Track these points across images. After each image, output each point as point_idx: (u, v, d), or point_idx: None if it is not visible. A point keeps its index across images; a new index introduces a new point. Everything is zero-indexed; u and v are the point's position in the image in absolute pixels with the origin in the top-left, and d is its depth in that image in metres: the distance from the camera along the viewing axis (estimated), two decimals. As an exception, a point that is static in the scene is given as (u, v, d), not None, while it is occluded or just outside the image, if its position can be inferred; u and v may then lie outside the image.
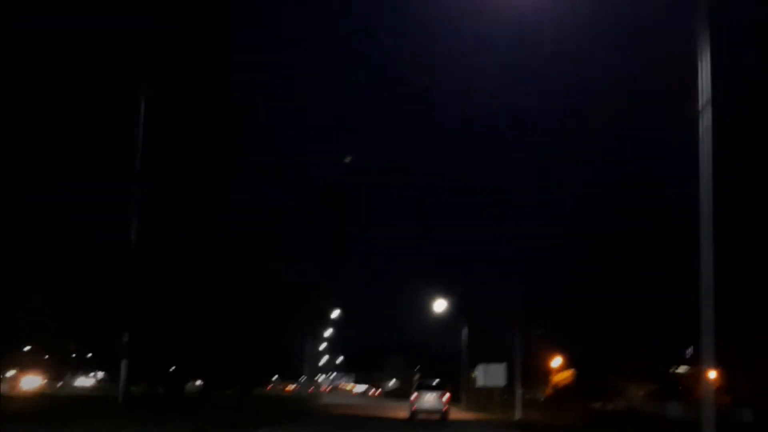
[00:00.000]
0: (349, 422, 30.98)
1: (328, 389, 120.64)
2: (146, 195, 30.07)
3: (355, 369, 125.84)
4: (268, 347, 44.47)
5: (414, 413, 35.38)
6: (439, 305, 54.48)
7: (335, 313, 75.09)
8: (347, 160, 47.56)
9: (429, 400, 35.35)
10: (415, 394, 35.95)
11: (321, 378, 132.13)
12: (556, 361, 56.59)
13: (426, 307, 56.31)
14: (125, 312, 30.10)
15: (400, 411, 40.97)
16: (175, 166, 33.20)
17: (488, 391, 54.58)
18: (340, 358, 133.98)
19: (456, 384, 60.69)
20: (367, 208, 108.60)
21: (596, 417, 39.06)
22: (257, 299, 39.30)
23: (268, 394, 74.84)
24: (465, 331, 56.10)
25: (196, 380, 47.42)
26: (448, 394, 36.09)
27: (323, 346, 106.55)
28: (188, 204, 33.95)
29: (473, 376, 56.06)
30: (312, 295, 48.59)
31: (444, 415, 35.23)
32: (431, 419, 34.98)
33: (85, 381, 64.34)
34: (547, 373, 57.58)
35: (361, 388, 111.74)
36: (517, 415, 36.75)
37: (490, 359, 48.67)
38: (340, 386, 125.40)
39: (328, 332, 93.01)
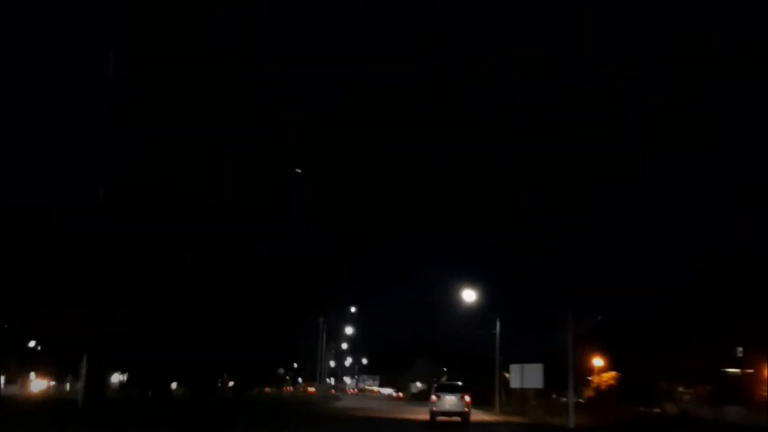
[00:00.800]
0: (363, 424, 30.24)
1: (354, 391, 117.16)
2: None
3: (381, 371, 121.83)
4: (272, 338, 40.49)
5: (434, 415, 34.71)
6: (468, 295, 49.45)
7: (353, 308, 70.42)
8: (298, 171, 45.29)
9: (449, 401, 34.60)
10: (434, 396, 35.24)
11: (348, 380, 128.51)
12: (597, 362, 52.26)
13: (454, 302, 52.00)
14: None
15: (420, 414, 40.29)
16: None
17: (522, 394, 50.44)
18: (365, 360, 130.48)
19: (488, 386, 56.56)
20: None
21: (656, 423, 34.87)
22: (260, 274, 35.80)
23: (275, 396, 70.52)
24: (498, 328, 51.39)
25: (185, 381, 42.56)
26: (468, 396, 35.17)
27: (345, 345, 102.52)
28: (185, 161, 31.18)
29: (506, 377, 51.99)
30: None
31: (465, 417, 34.51)
32: (452, 421, 34.28)
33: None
34: (587, 374, 53.32)
35: (386, 390, 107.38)
36: (571, 421, 31.44)
37: (522, 359, 44.64)
38: (365, 388, 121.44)
39: (348, 330, 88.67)
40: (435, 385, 40.08)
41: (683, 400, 47.60)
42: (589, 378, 53.88)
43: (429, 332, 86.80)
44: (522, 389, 46.98)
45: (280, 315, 39.83)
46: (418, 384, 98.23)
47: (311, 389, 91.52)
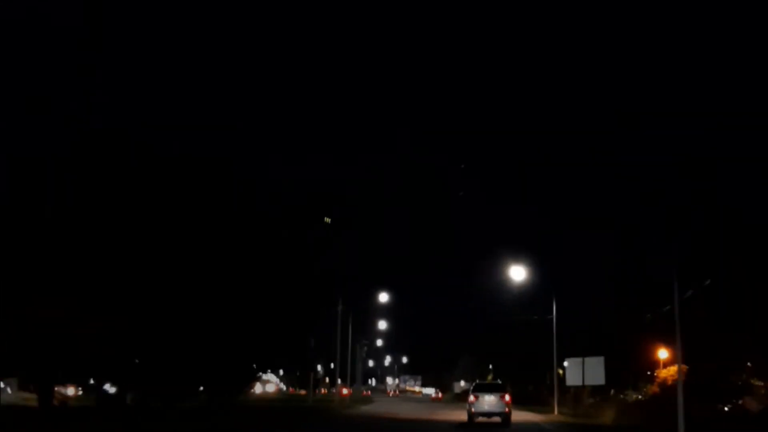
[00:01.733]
0: (393, 427, 29.74)
1: (395, 393, 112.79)
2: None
3: (423, 370, 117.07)
4: (262, 334, 35.53)
5: (472, 416, 33.98)
6: (517, 273, 42.42)
7: (384, 297, 63.99)
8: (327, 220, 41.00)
9: (488, 401, 33.75)
10: (472, 397, 34.37)
11: (390, 381, 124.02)
12: (662, 353, 47.14)
13: (501, 283, 46.17)
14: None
15: (455, 414, 39.31)
16: None
17: (575, 392, 45.25)
18: (405, 359, 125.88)
19: (540, 384, 51.85)
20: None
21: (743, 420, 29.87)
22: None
23: (273, 400, 63.87)
24: (554, 311, 44.72)
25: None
26: (509, 396, 34.32)
27: (379, 342, 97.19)
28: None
29: (559, 373, 47.10)
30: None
31: (505, 417, 33.63)
32: (492, 422, 33.67)
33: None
34: (650, 368, 48.30)
35: (429, 391, 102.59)
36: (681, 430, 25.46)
37: (575, 353, 39.82)
38: (405, 389, 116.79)
39: (382, 325, 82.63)
40: (473, 384, 38.59)
41: (761, 395, 42.52)
42: (649, 372, 48.90)
43: (472, 324, 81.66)
44: (574, 387, 41.88)
45: (276, 304, 34.87)
46: (462, 383, 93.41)
47: (346, 391, 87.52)
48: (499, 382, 36.57)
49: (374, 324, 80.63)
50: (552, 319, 44.67)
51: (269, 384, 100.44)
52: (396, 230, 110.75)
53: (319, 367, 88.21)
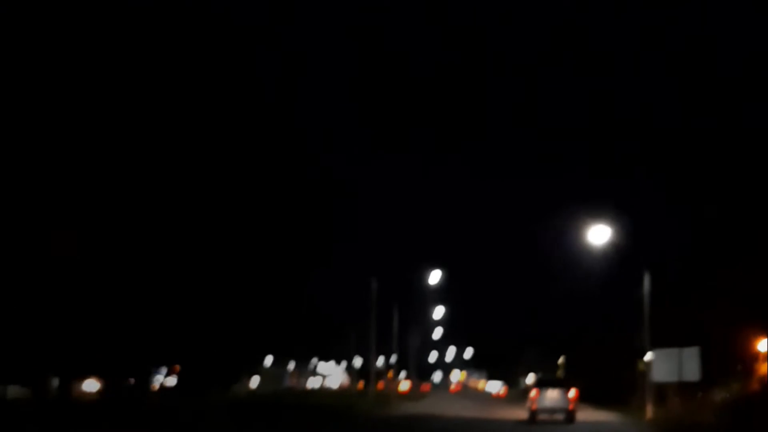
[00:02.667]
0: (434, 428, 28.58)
1: (457, 388, 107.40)
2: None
3: (488, 363, 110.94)
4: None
5: (534, 414, 32.07)
6: (600, 234, 34.03)
7: (436, 276, 57.41)
8: None
9: (551, 397, 31.78)
10: (534, 392, 32.37)
11: (457, 374, 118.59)
12: (762, 346, 40.48)
13: (579, 250, 39.19)
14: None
15: (514, 412, 37.47)
16: None
17: (658, 390, 38.45)
18: (470, 351, 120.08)
19: (618, 380, 45.79)
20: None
21: None
22: None
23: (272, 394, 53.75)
24: (647, 286, 36.25)
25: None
26: (575, 391, 32.16)
27: (438, 333, 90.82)
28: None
29: (641, 368, 40.84)
30: None
31: (569, 415, 31.72)
32: (555, 420, 32.07)
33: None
34: (744, 361, 41.82)
35: (494, 385, 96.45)
36: None
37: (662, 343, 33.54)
38: (469, 384, 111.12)
39: (438, 313, 75.86)
40: (536, 379, 36.83)
41: None
42: (740, 367, 42.29)
43: (542, 308, 75.09)
44: (663, 383, 35.08)
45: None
46: (531, 376, 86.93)
47: (403, 387, 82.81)
48: (565, 376, 34.82)
49: (429, 311, 74.73)
50: (642, 296, 36.88)
51: (329, 377, 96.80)
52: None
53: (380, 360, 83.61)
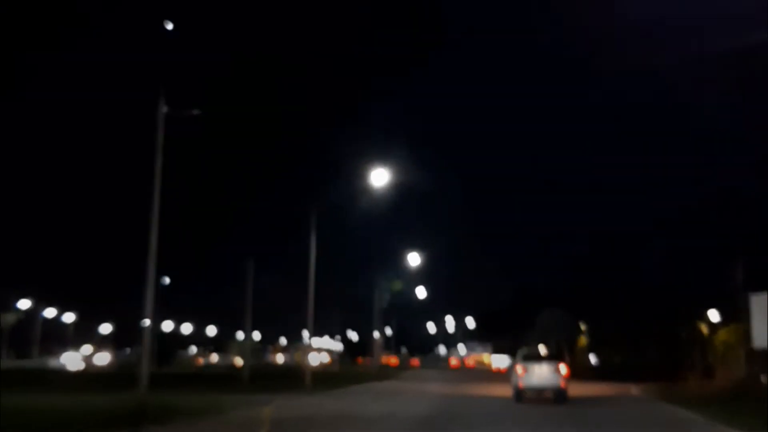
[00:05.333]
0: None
1: (459, 363, 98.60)
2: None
3: (492, 333, 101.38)
4: None
5: (519, 393, 29.91)
6: None
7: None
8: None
9: (540, 374, 29.58)
10: (519, 368, 30.13)
11: (462, 348, 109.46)
12: None
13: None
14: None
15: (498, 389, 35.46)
16: None
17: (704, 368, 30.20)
18: (472, 321, 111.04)
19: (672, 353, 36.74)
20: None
21: None
22: None
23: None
24: None
25: None
26: (565, 366, 30.03)
27: (423, 293, 77.84)
28: None
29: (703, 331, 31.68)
30: None
31: (560, 393, 29.39)
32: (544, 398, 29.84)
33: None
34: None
35: (501, 359, 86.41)
36: None
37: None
38: (473, 358, 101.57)
39: (414, 259, 61.21)
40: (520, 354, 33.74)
41: None
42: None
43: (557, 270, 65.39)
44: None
45: None
46: (542, 348, 76.46)
47: (392, 361, 75.49)
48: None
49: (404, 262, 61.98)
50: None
51: (323, 353, 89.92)
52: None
53: (376, 334, 74.87)
